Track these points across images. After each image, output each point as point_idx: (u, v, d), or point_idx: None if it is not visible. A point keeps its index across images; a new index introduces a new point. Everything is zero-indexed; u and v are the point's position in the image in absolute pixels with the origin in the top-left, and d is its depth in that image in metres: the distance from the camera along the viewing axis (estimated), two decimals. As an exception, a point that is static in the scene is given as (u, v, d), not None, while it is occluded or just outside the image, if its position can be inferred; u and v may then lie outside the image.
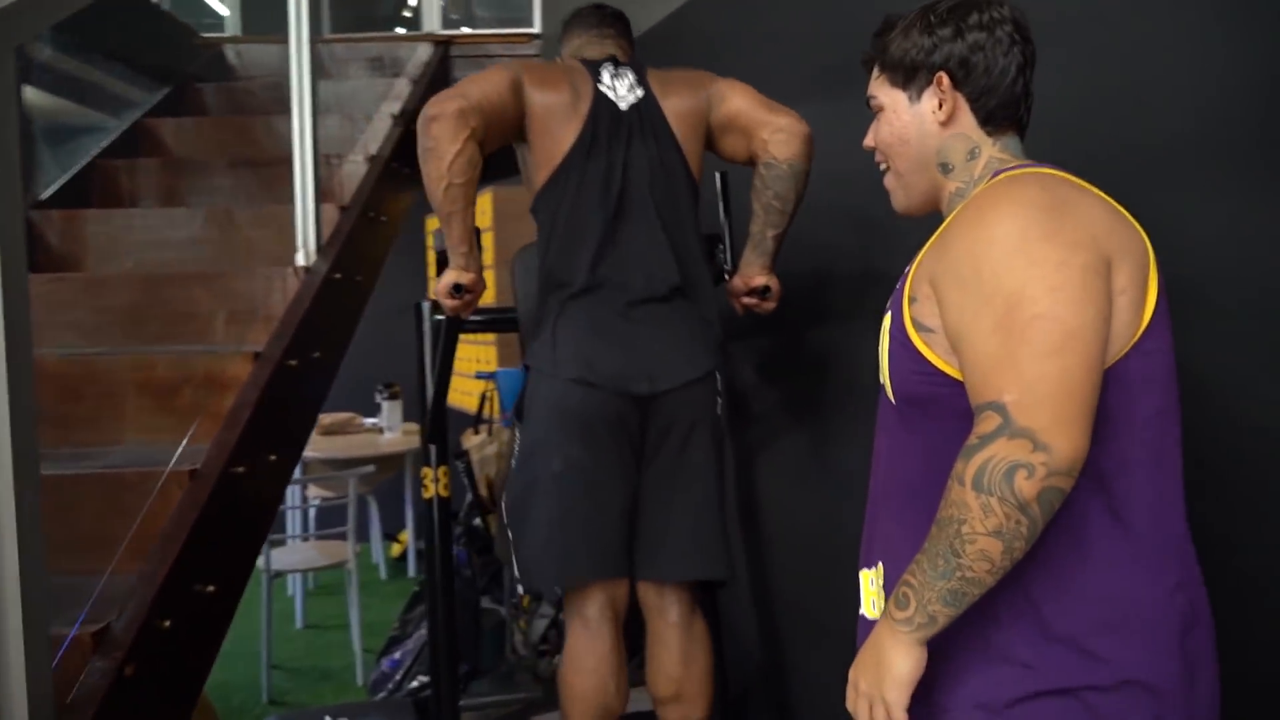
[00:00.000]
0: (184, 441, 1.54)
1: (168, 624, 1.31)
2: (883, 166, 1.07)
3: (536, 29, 3.60)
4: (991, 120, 0.98)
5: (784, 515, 2.27)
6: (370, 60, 3.50)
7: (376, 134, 2.75)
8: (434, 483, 2.17)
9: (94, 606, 1.26)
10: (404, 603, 3.00)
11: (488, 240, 3.67)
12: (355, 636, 3.05)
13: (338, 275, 2.12)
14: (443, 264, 1.78)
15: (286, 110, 3.23)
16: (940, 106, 0.98)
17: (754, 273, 1.69)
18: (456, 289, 1.57)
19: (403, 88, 3.11)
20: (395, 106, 2.94)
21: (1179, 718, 0.86)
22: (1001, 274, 0.83)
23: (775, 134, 1.61)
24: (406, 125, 2.85)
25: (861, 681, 0.92)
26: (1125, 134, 1.18)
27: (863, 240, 1.85)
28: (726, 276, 1.80)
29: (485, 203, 3.69)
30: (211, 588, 1.44)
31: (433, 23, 3.53)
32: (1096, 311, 0.81)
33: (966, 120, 0.98)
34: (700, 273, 1.67)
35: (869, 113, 1.08)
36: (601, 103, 1.61)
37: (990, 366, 0.83)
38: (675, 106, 1.64)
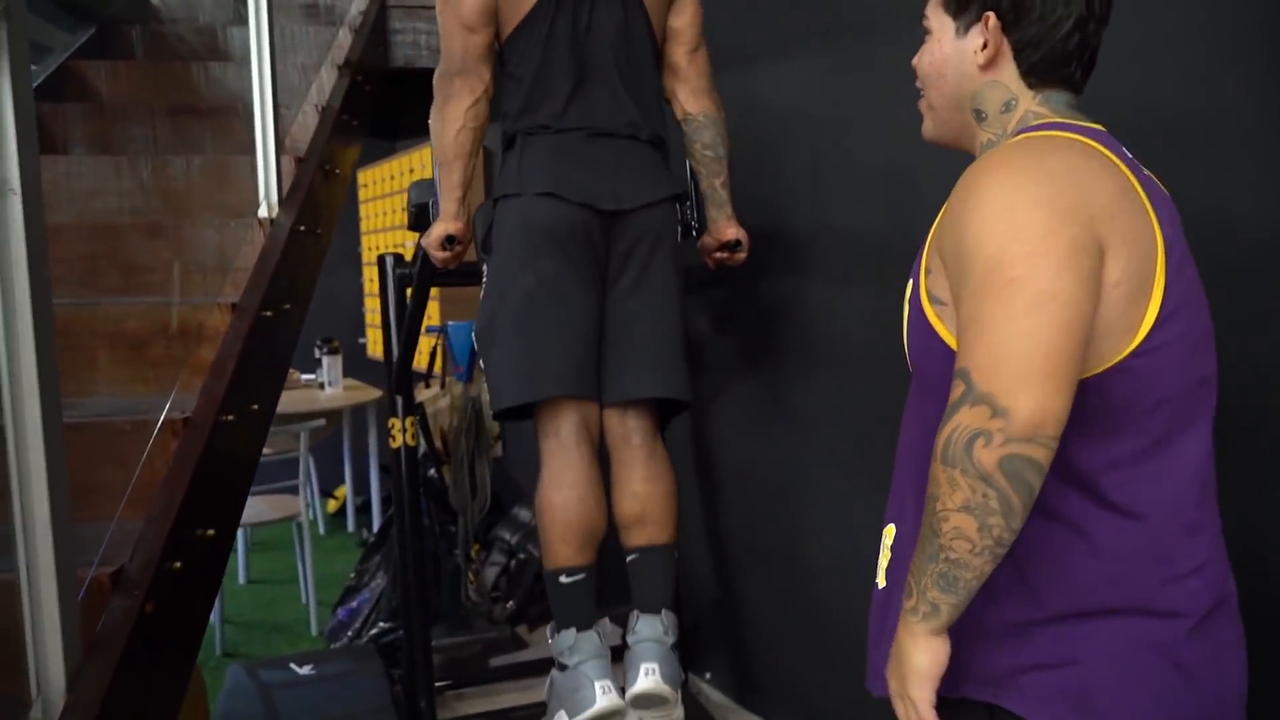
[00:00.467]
0: (173, 391, 1.55)
1: (178, 565, 1.34)
2: (920, 91, 1.01)
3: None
4: (1034, 73, 0.91)
5: (737, 459, 2.41)
6: (306, 7, 3.41)
7: (324, 85, 2.72)
8: (401, 432, 2.22)
9: (94, 550, 1.29)
10: (360, 554, 3.03)
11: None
12: (310, 589, 3.07)
13: (302, 228, 2.12)
14: (419, 219, 1.82)
15: (220, 56, 3.15)
16: (984, 48, 0.91)
17: (722, 226, 1.78)
18: (449, 240, 1.62)
19: (344, 38, 3.06)
20: (339, 56, 2.90)
21: (1202, 695, 0.85)
22: (984, 238, 0.79)
23: (683, 88, 1.73)
24: (352, 76, 2.82)
25: (892, 681, 0.90)
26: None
27: (815, 191, 1.96)
28: (694, 233, 1.90)
29: (429, 157, 3.67)
30: (211, 531, 1.47)
31: (368, -30, 3.44)
32: (1077, 280, 0.76)
33: (1008, 69, 0.91)
34: (660, 133, 1.73)
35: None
36: None
37: (962, 331, 0.80)
38: None
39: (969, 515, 0.77)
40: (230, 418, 1.58)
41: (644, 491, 1.65)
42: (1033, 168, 0.82)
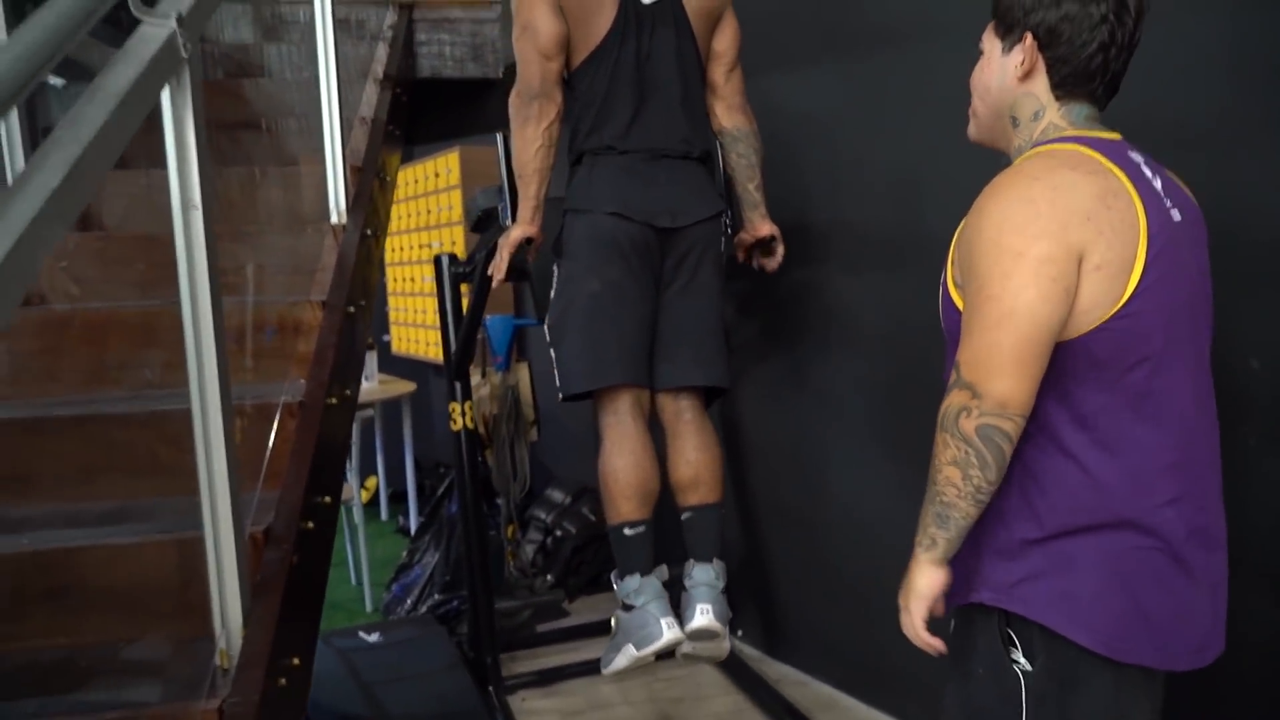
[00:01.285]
0: (290, 378, 1.77)
1: (310, 525, 1.56)
2: (971, 103, 1.21)
3: (497, -7, 3.77)
4: (1063, 86, 1.10)
5: (761, 431, 2.64)
6: (338, 22, 3.60)
7: (369, 99, 2.92)
8: (461, 415, 2.45)
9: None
10: (398, 539, 3.25)
11: (456, 198, 3.87)
12: (363, 568, 3.29)
13: (368, 232, 2.34)
14: (482, 222, 2.05)
15: (261, 74, 3.34)
16: (1022, 62, 1.11)
17: (756, 225, 2.02)
18: (527, 242, 1.85)
19: (381, 52, 3.26)
20: (378, 70, 3.11)
21: (1174, 600, 1.06)
22: (977, 258, 1.04)
23: (720, 104, 1.96)
24: (392, 88, 3.03)
25: (900, 597, 1.15)
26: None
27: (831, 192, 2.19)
28: (730, 231, 2.13)
29: (453, 162, 3.88)
30: (328, 499, 1.69)
31: (394, -14, 3.65)
32: (1039, 295, 0.99)
33: (1041, 82, 1.11)
34: (709, 144, 1.98)
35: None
36: (629, 1, 1.87)
37: (963, 331, 1.06)
38: (695, 2, 1.90)
39: (956, 468, 1.03)
40: (334, 401, 1.80)
41: (696, 459, 1.90)
42: (1021, 194, 1.04)
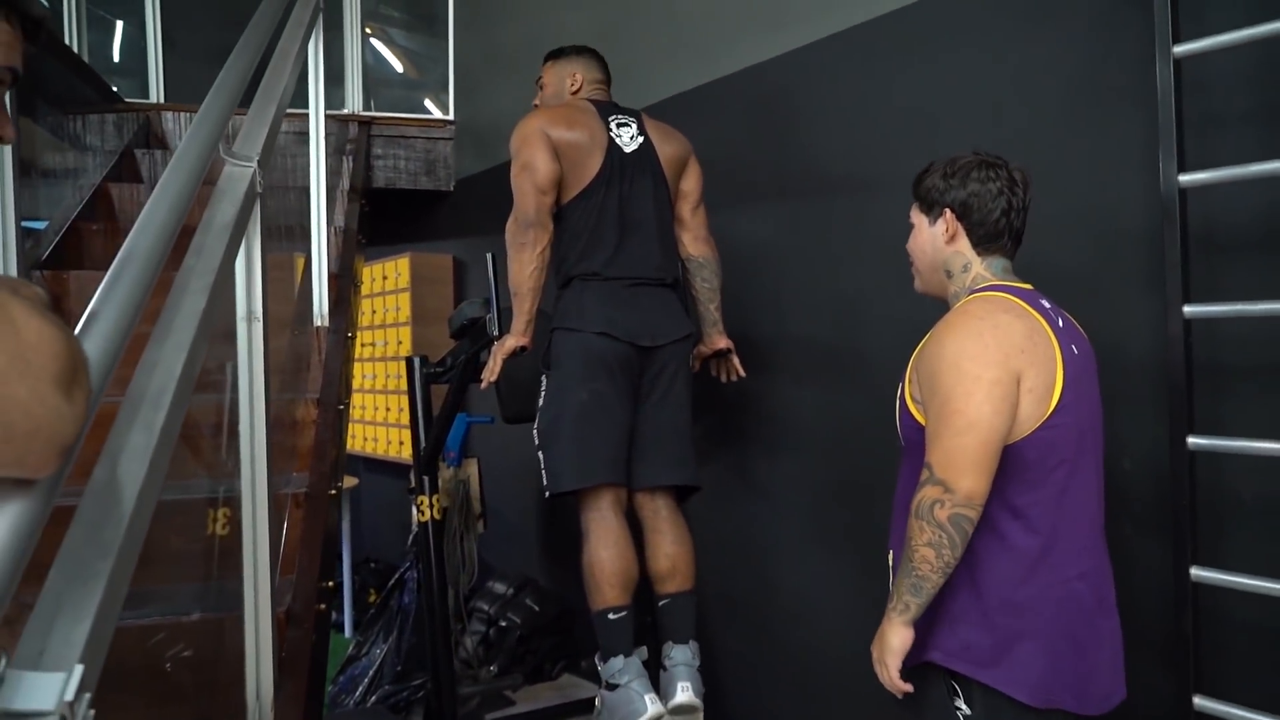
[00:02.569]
0: (293, 471, 1.91)
1: (322, 607, 1.69)
2: (911, 263, 1.50)
3: (451, 117, 4.08)
4: (981, 244, 1.41)
5: (712, 525, 2.85)
6: (299, 134, 3.82)
7: (340, 210, 3.12)
8: (429, 508, 2.59)
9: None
10: (355, 628, 3.28)
11: (404, 300, 4.05)
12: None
13: (350, 334, 2.51)
14: (465, 330, 2.26)
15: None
16: (946, 230, 1.41)
17: (714, 339, 2.29)
18: (521, 350, 2.06)
19: (347, 166, 3.49)
20: (345, 183, 3.33)
21: (1083, 662, 1.29)
22: (940, 379, 1.30)
23: (687, 235, 2.28)
24: (358, 200, 3.24)
25: (875, 651, 1.38)
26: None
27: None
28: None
29: (403, 265, 4.08)
30: (330, 583, 1.82)
31: (355, 104, 3.92)
32: (993, 410, 1.26)
33: (964, 242, 1.42)
34: (678, 271, 2.27)
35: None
36: (614, 148, 2.16)
37: (930, 437, 1.30)
38: (666, 153, 2.23)
39: (930, 548, 1.28)
40: (333, 492, 1.95)
41: (674, 552, 2.13)
42: (972, 330, 1.32)
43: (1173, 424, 1.52)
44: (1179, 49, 1.50)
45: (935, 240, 1.44)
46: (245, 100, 1.56)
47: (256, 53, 1.70)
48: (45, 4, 0.87)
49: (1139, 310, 1.63)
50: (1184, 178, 1.50)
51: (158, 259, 0.94)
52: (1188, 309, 1.50)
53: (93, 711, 0.61)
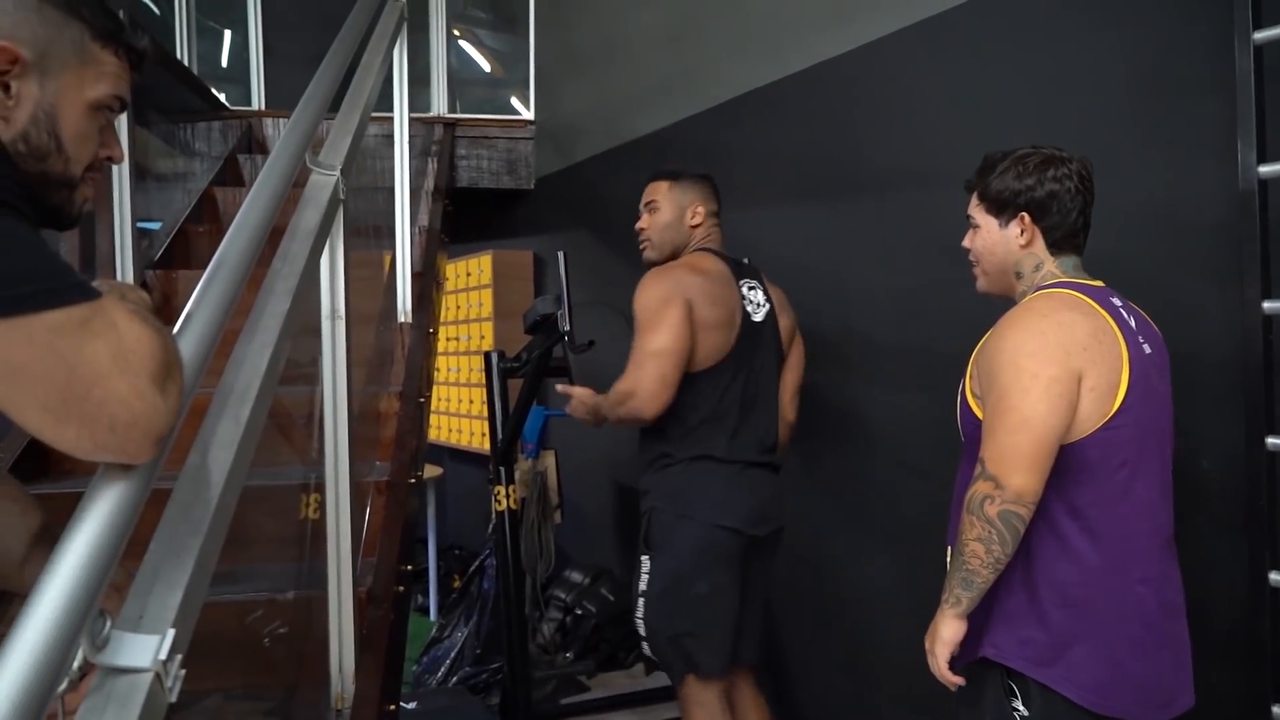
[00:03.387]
0: (375, 460, 2.02)
1: (401, 589, 1.79)
2: (974, 262, 1.47)
3: (531, 116, 4.18)
4: (1056, 245, 1.38)
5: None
6: (386, 137, 3.98)
7: (424, 209, 3.25)
8: (505, 498, 2.68)
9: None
10: (439, 611, 3.41)
11: (487, 296, 4.18)
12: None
13: (431, 330, 2.62)
14: (539, 326, 2.33)
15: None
16: (1022, 234, 1.38)
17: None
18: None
19: (431, 167, 3.62)
20: (429, 184, 3.45)
21: (1133, 676, 1.28)
22: (998, 375, 1.29)
23: (784, 396, 2.21)
24: (442, 200, 3.36)
25: (927, 642, 1.38)
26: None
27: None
28: None
29: (485, 263, 4.20)
30: (410, 566, 1.92)
31: (440, 106, 4.05)
32: (1049, 408, 1.24)
33: (1039, 244, 1.38)
34: (778, 457, 2.20)
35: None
36: (747, 320, 2.08)
37: (985, 432, 1.29)
38: (784, 324, 2.18)
39: (980, 544, 1.27)
40: (413, 481, 2.05)
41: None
42: (1033, 328, 1.30)
43: (1250, 423, 1.48)
44: (1259, 35, 1.44)
45: (1008, 244, 1.42)
46: (335, 104, 1.66)
47: (344, 64, 1.80)
48: (149, 35, 0.96)
49: (1215, 306, 1.58)
50: (1264, 169, 1.45)
51: (246, 264, 1.03)
52: (1267, 305, 1.45)
53: (183, 671, 0.70)
